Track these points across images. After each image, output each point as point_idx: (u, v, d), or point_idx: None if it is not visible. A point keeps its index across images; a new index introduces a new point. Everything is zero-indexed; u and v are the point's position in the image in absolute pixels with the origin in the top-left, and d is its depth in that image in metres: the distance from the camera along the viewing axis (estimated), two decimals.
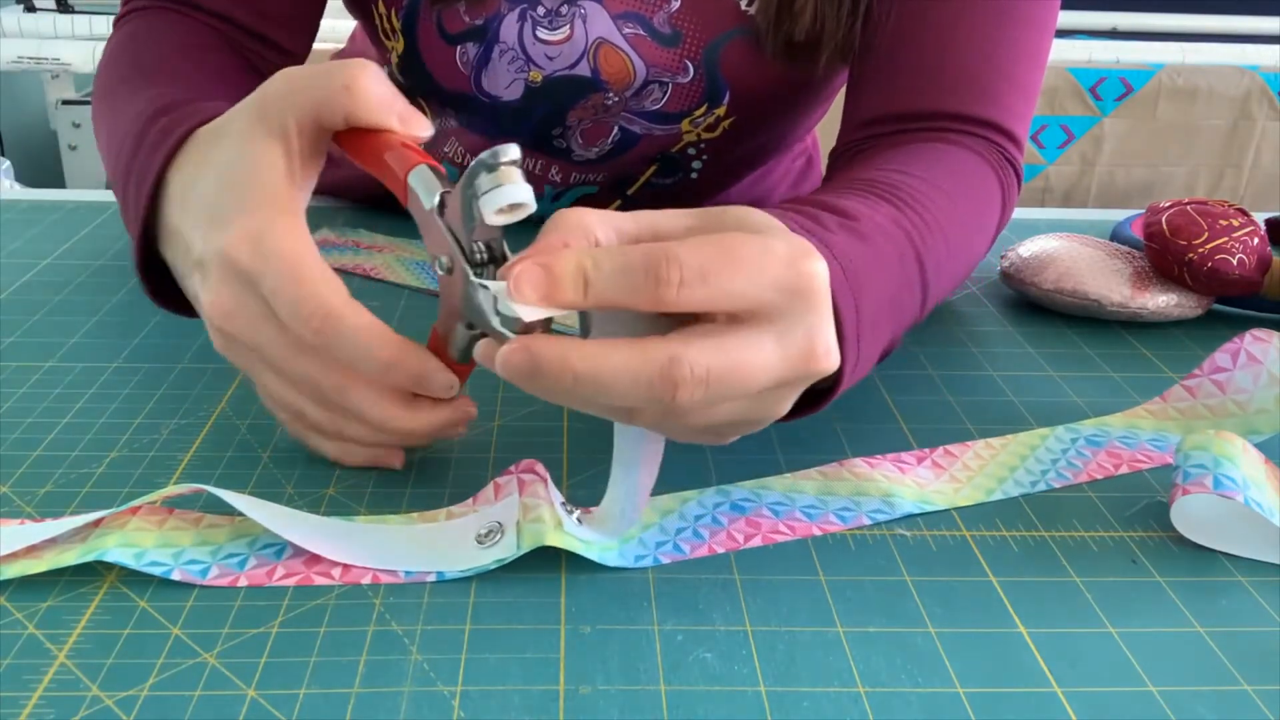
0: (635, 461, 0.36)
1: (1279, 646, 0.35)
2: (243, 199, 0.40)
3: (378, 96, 0.40)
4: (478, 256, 0.37)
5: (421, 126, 0.41)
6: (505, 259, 0.37)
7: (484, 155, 0.34)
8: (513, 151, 0.34)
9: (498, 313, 0.35)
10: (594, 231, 0.34)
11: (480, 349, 0.35)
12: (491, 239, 0.37)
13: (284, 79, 0.41)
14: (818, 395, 0.39)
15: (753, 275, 0.32)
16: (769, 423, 0.36)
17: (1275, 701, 0.33)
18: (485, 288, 0.35)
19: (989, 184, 0.55)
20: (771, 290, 0.32)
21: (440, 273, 0.38)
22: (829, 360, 0.34)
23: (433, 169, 0.38)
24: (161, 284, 0.47)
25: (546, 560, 0.37)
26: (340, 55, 0.82)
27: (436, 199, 0.37)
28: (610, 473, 0.37)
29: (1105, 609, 0.37)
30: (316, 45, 0.72)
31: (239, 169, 0.40)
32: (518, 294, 0.31)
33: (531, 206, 0.35)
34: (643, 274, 0.31)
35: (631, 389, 0.31)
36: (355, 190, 0.76)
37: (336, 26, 1.69)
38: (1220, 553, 0.40)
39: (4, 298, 0.59)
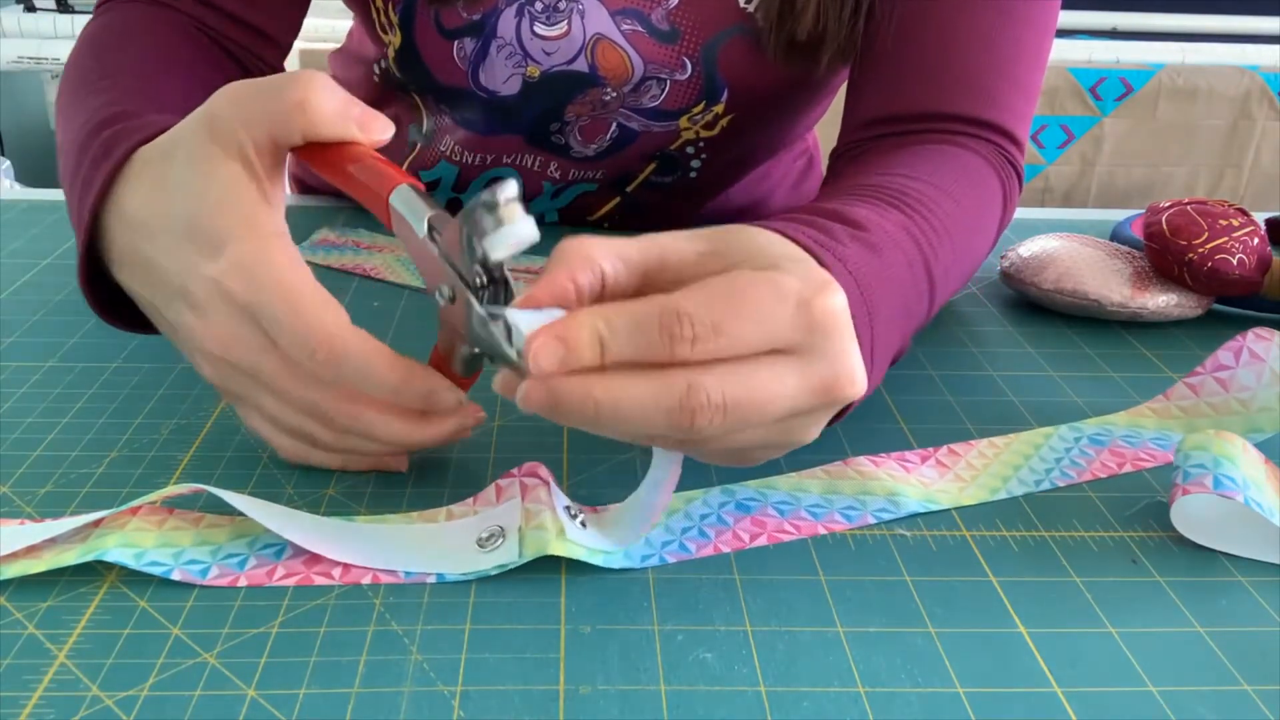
0: (660, 482, 0.36)
1: (1279, 646, 0.35)
2: (224, 226, 0.39)
3: (333, 109, 0.39)
4: (478, 281, 0.36)
5: (382, 129, 0.40)
6: (507, 283, 0.37)
7: (484, 196, 0.34)
8: (511, 188, 0.34)
9: (512, 343, 0.34)
10: (599, 263, 0.34)
11: (499, 382, 0.35)
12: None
13: (230, 98, 0.39)
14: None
15: (766, 320, 0.32)
16: (798, 446, 0.36)
17: (1275, 701, 0.33)
18: (498, 319, 0.35)
19: (991, 185, 0.55)
20: (789, 329, 0.32)
21: (441, 302, 0.38)
22: (855, 387, 0.34)
23: (413, 188, 0.38)
24: (108, 298, 0.45)
25: (547, 560, 0.37)
26: (337, 54, 0.82)
27: (425, 225, 0.37)
28: (638, 485, 0.37)
29: (1105, 609, 0.37)
30: (314, 46, 0.72)
31: (209, 194, 0.39)
32: (536, 368, 0.31)
33: (535, 239, 0.35)
34: (657, 332, 0.31)
35: (652, 417, 0.32)
36: None
37: (336, 26, 1.69)
38: (1220, 553, 0.40)
39: (4, 298, 0.59)
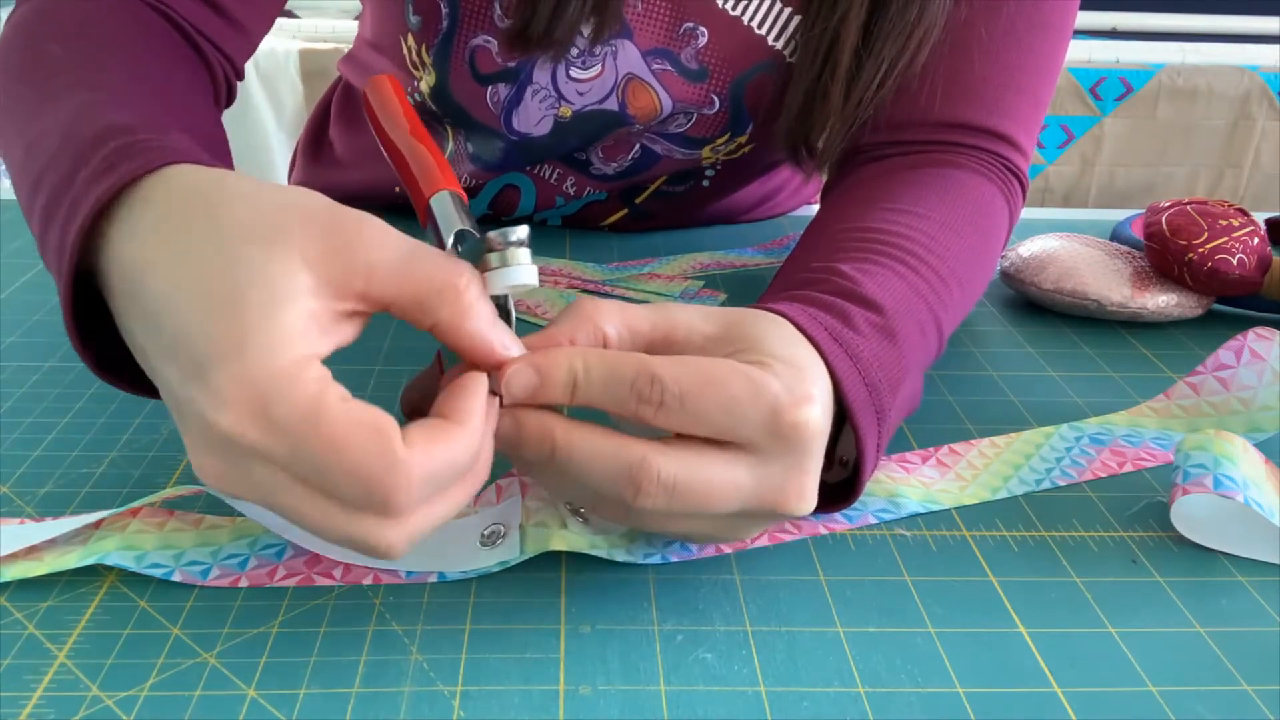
0: None
1: (1279, 646, 0.35)
2: (238, 336, 0.29)
3: (489, 319, 0.33)
4: None
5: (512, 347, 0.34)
6: (509, 315, 0.38)
7: (494, 234, 0.35)
8: (521, 232, 0.35)
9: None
10: (605, 328, 0.35)
11: None
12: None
13: (404, 258, 0.32)
14: (833, 489, 0.39)
15: (735, 412, 0.32)
16: (732, 541, 0.38)
17: (1275, 701, 0.33)
18: None
19: (996, 206, 0.54)
20: (753, 429, 0.33)
21: None
22: (800, 506, 0.34)
23: (453, 196, 0.38)
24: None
25: (547, 560, 0.38)
26: (348, 61, 0.81)
27: (452, 239, 0.37)
28: None
29: (1105, 609, 0.37)
30: (314, 46, 0.71)
31: (242, 290, 0.29)
32: (507, 393, 0.33)
33: (534, 284, 0.35)
34: (627, 388, 0.32)
35: (600, 477, 0.32)
36: (358, 191, 0.75)
37: (336, 26, 1.69)
38: (1220, 553, 0.40)
39: (4, 298, 0.59)
